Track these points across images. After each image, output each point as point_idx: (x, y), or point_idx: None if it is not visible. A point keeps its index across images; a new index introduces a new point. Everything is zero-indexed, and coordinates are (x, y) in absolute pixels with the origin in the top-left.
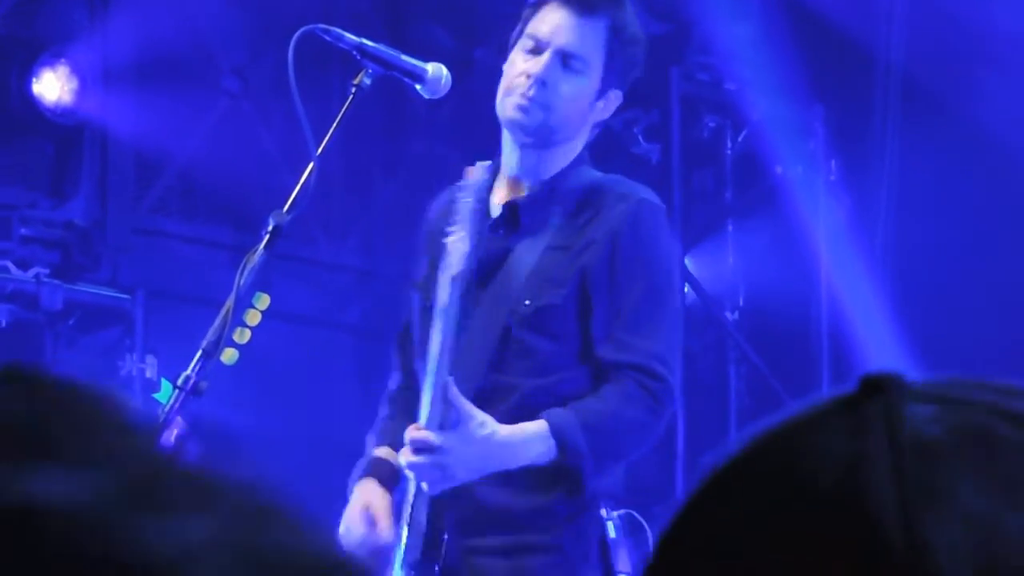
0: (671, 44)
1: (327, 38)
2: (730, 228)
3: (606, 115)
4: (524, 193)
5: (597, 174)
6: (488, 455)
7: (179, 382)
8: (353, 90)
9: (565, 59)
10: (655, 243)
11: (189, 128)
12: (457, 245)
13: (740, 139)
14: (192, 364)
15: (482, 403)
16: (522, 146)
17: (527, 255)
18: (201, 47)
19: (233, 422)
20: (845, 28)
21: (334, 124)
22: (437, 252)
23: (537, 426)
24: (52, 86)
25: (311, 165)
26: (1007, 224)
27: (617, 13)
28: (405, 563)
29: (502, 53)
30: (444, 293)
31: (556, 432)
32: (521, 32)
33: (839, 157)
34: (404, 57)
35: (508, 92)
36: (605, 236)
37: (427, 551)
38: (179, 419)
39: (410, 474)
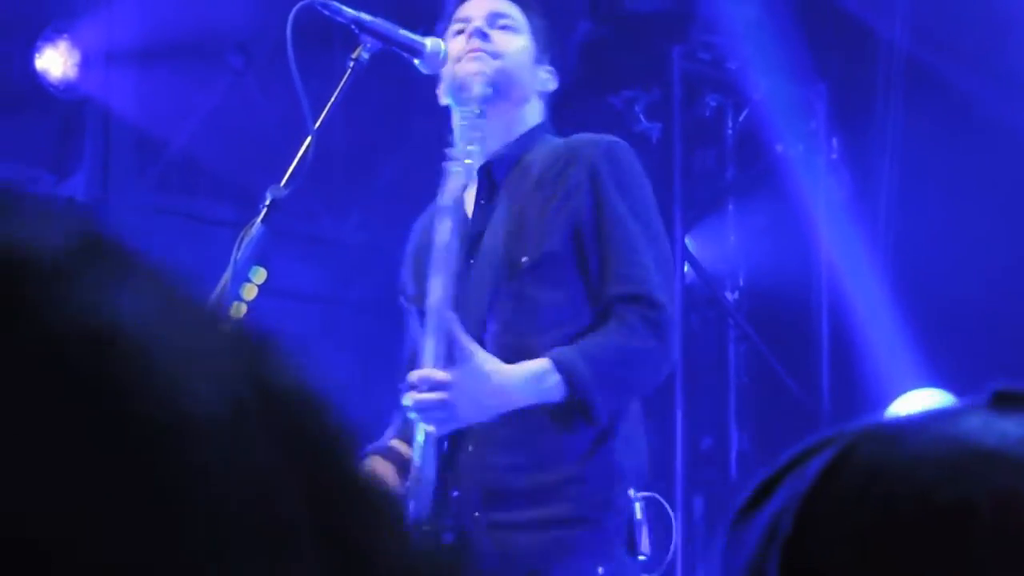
0: (673, 23)
1: (325, 12)
2: (731, 207)
3: (548, 87)
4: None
5: (575, 134)
6: (495, 391)
7: None
8: (351, 65)
9: (493, 23)
10: (633, 178)
11: (192, 104)
12: (449, 184)
13: (741, 118)
14: None
15: None
16: (484, 112)
17: (511, 212)
18: (204, 23)
19: None
20: (848, 6)
21: (331, 99)
22: (421, 267)
23: (541, 363)
24: (55, 62)
25: (308, 140)
26: (1008, 205)
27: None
28: (412, 520)
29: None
30: (443, 229)
31: (560, 366)
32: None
33: (841, 136)
34: (403, 31)
35: (456, 60)
36: (586, 178)
37: (437, 510)
38: None
39: (414, 415)
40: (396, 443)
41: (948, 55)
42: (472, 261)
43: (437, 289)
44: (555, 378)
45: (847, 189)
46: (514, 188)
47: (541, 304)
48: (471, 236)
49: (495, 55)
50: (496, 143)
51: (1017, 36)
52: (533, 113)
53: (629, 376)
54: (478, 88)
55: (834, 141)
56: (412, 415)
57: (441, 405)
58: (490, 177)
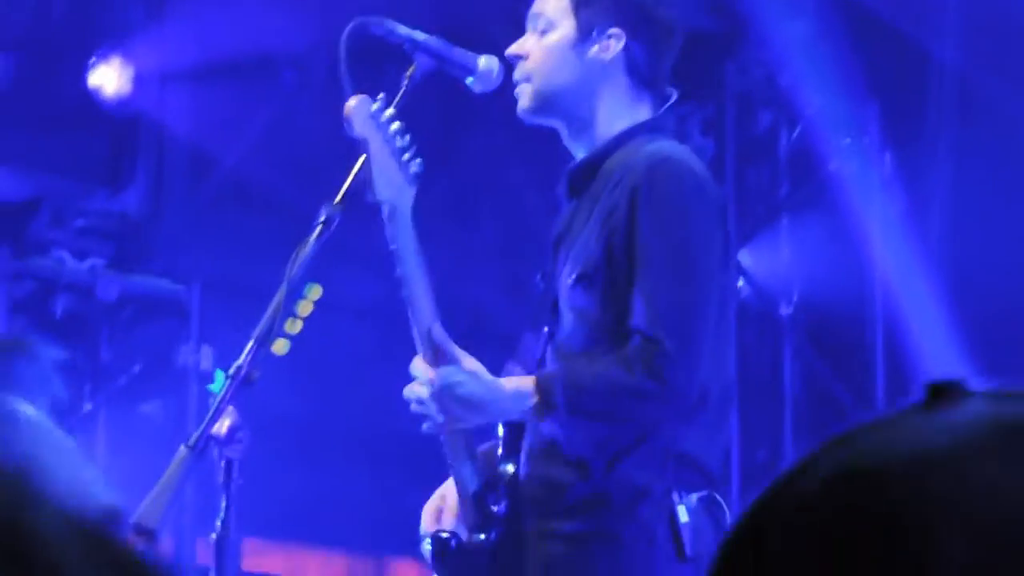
0: (726, 40)
1: (378, 31)
2: (785, 223)
3: (610, 54)
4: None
5: (656, 141)
6: (470, 399)
7: (231, 371)
8: (405, 82)
9: (536, 24)
10: (676, 200)
11: (245, 120)
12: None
13: (795, 134)
14: (244, 354)
15: None
16: (556, 124)
17: (575, 227)
18: (258, 41)
19: (294, 412)
20: (900, 25)
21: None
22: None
23: (526, 381)
24: (109, 78)
25: (362, 158)
26: None
27: None
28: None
29: None
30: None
31: (539, 387)
32: None
33: (893, 153)
34: (457, 49)
35: None
36: (625, 200)
37: (482, 526)
38: (231, 408)
39: (412, 406)
40: (488, 448)
41: (1000, 72)
42: (556, 269)
43: (411, 292)
44: (535, 399)
45: (901, 204)
46: (588, 199)
47: (581, 321)
48: (559, 239)
49: (526, 79)
50: (585, 145)
51: None
52: (612, 100)
53: (610, 409)
54: (537, 122)
55: (887, 157)
56: (412, 406)
57: (421, 400)
58: (572, 184)
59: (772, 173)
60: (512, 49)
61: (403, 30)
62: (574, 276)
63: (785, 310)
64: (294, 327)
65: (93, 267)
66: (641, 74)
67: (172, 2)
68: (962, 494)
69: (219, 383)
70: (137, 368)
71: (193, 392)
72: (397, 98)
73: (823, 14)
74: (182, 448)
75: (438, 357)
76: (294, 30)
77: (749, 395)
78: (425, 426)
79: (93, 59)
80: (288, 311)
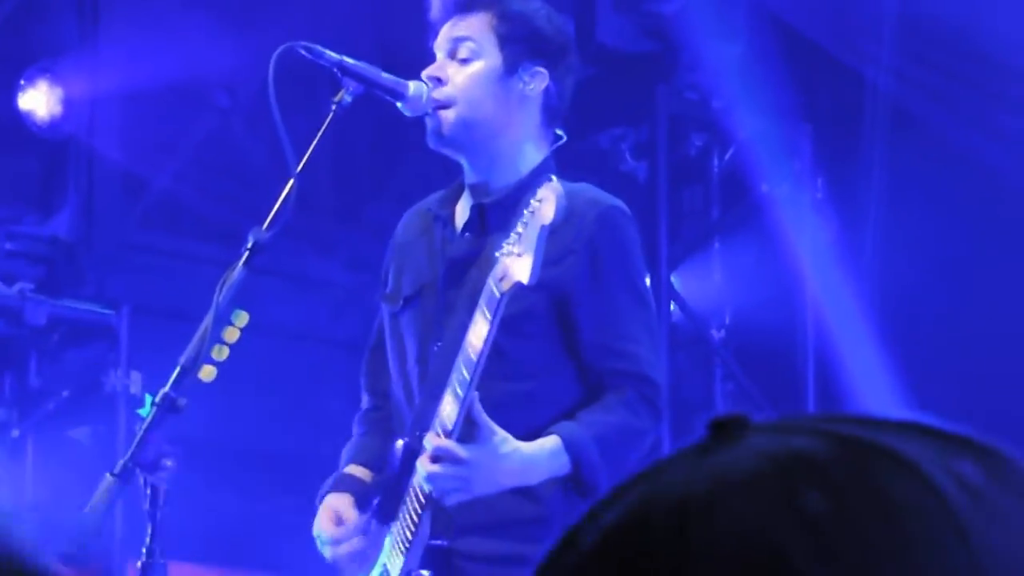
0: (658, 62)
1: (308, 56)
2: (717, 246)
3: (534, 91)
4: (491, 196)
5: (565, 183)
6: (509, 471)
7: (156, 399)
8: (333, 107)
9: (453, 53)
10: (632, 249)
11: (177, 143)
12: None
13: (727, 157)
14: (170, 381)
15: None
16: (465, 156)
17: (487, 261)
18: (189, 63)
19: (222, 436)
20: (833, 49)
21: (314, 141)
22: (401, 264)
23: (552, 442)
24: (39, 100)
25: (291, 182)
26: (994, 246)
27: (494, 5)
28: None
29: None
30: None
31: (569, 447)
32: None
33: (826, 176)
34: (385, 75)
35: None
36: (582, 245)
37: (425, 558)
38: (156, 436)
39: (426, 486)
40: (353, 469)
41: (934, 97)
42: (454, 292)
43: (461, 361)
44: (565, 458)
45: (832, 228)
46: (503, 234)
47: (511, 354)
48: (457, 264)
49: (449, 102)
50: (490, 178)
51: (1001, 80)
52: (515, 138)
53: (628, 454)
54: (447, 148)
55: (819, 181)
56: (424, 485)
57: (456, 479)
58: (483, 218)
59: (704, 196)
60: (431, 71)
61: (332, 55)
62: (509, 309)
63: (717, 333)
64: (221, 354)
65: (22, 291)
66: (553, 111)
67: (104, 25)
68: (716, 537)
69: (148, 408)
70: (66, 393)
71: (122, 417)
72: (326, 122)
73: (757, 37)
74: (108, 476)
75: (472, 428)
76: (225, 53)
77: (680, 418)
78: (434, 494)
79: (23, 82)
80: (215, 338)
